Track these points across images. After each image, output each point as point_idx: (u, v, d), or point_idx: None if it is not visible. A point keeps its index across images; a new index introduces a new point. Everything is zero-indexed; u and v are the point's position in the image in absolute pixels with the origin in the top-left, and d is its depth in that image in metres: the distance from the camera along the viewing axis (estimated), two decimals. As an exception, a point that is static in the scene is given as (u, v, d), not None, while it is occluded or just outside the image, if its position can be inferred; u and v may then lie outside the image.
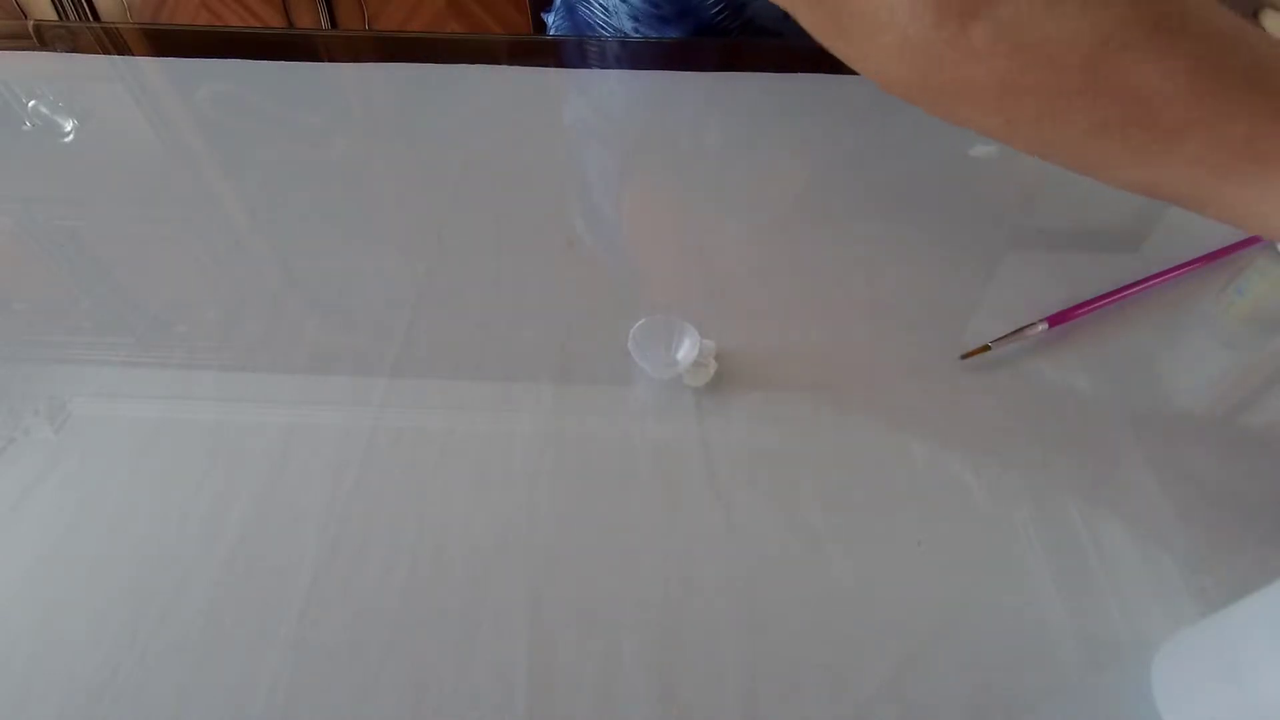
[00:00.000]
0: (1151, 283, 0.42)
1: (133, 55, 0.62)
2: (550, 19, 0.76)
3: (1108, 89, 0.27)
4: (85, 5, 0.82)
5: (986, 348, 0.39)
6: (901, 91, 0.31)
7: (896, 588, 0.32)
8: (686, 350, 0.38)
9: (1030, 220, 0.48)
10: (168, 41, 0.64)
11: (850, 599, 0.31)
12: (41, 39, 0.65)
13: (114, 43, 0.64)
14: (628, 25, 0.65)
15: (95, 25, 0.79)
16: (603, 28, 0.67)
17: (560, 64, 0.61)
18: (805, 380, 0.39)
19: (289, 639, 0.30)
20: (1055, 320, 0.40)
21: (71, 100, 0.59)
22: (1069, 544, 0.33)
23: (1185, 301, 0.43)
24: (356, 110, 0.58)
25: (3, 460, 0.36)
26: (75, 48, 0.64)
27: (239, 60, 0.61)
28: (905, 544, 0.33)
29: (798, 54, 0.62)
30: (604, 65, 0.61)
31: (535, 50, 0.65)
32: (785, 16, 0.33)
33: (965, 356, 0.39)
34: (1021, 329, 0.39)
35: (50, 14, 0.82)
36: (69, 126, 0.56)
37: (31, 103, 0.58)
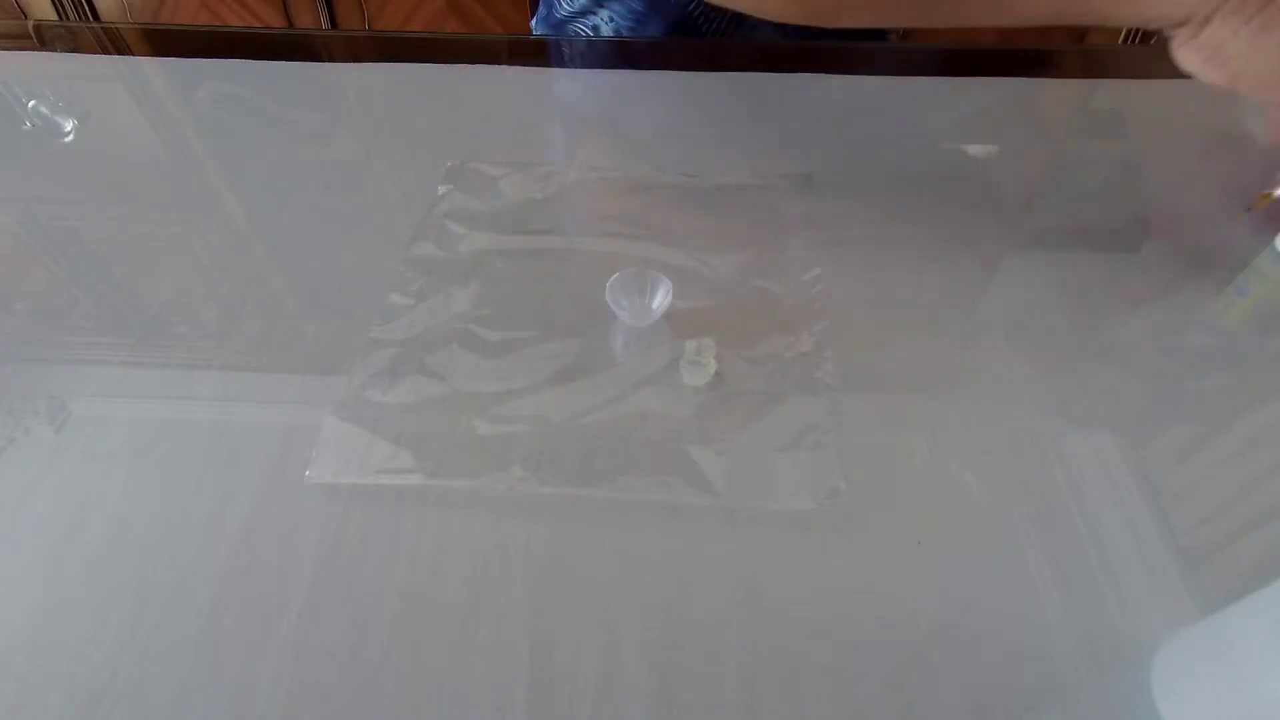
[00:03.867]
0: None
1: (133, 55, 0.62)
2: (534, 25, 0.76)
3: None
4: (85, 5, 0.82)
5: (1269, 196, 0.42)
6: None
7: (896, 588, 0.32)
8: (661, 298, 0.40)
9: (1031, 220, 0.48)
10: (168, 41, 0.64)
11: (850, 599, 0.31)
12: (41, 39, 0.65)
13: (114, 43, 0.64)
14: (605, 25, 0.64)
15: (95, 25, 0.79)
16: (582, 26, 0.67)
17: (560, 64, 0.61)
18: (804, 379, 0.39)
19: (289, 639, 0.30)
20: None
21: (71, 100, 0.59)
22: (1069, 544, 0.33)
23: (1185, 301, 0.43)
24: (356, 110, 0.58)
25: (3, 460, 0.36)
26: (75, 48, 0.64)
27: (239, 60, 0.61)
28: (905, 544, 0.33)
29: (796, 54, 0.62)
30: (605, 65, 0.61)
31: (535, 50, 0.65)
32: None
33: (1249, 210, 0.42)
34: None
35: (50, 14, 0.82)
36: (69, 126, 0.56)
37: (31, 103, 0.58)
